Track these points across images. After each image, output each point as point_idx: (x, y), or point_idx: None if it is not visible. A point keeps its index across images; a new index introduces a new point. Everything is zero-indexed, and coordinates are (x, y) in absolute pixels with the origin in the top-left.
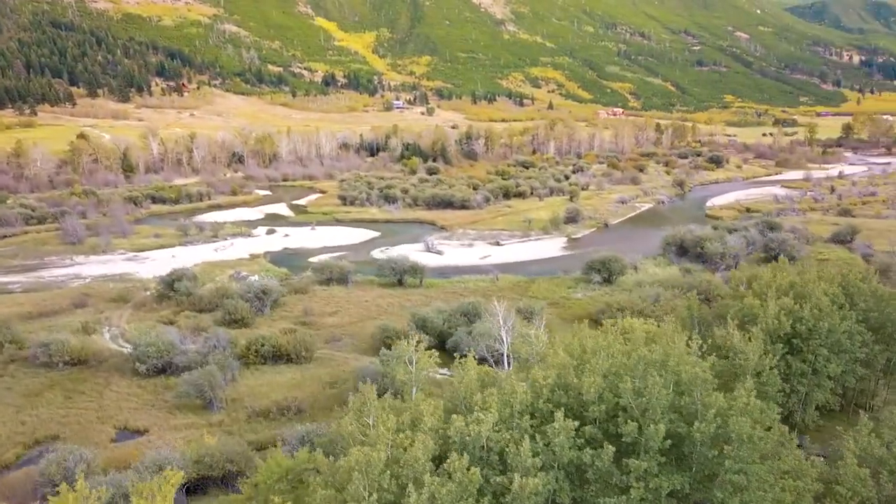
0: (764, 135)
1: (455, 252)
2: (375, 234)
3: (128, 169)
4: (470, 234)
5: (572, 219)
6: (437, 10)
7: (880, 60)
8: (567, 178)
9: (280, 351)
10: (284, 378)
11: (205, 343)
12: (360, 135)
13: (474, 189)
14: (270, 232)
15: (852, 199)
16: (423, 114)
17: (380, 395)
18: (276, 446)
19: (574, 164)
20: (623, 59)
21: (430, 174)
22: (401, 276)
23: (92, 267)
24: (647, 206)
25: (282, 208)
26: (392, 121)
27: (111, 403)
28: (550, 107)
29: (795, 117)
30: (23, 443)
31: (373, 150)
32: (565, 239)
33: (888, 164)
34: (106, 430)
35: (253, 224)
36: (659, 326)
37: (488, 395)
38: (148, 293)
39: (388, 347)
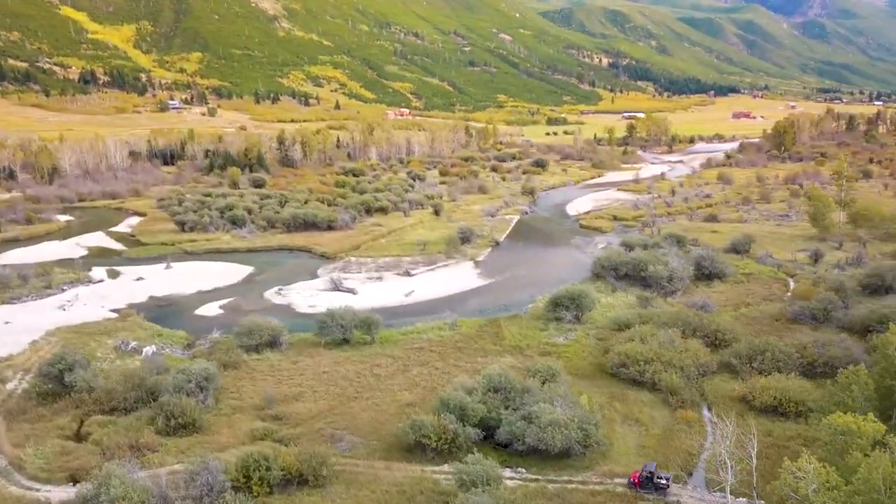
0: (547, 134)
1: (369, 288)
2: (248, 268)
3: None
4: (367, 264)
5: (466, 238)
6: (204, 3)
7: (624, 63)
8: (412, 187)
9: (289, 473)
10: None
11: (191, 480)
12: (149, 141)
13: (328, 205)
14: (114, 275)
15: (697, 202)
16: (203, 115)
17: None
18: None
19: (409, 172)
20: (400, 59)
21: (257, 186)
22: (348, 332)
23: None
24: (515, 218)
25: (103, 239)
26: (169, 122)
27: None
28: (338, 107)
29: (564, 115)
30: None
31: (166, 158)
32: (472, 263)
33: (680, 161)
34: None
35: (85, 264)
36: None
37: None
38: (12, 387)
39: (426, 449)
